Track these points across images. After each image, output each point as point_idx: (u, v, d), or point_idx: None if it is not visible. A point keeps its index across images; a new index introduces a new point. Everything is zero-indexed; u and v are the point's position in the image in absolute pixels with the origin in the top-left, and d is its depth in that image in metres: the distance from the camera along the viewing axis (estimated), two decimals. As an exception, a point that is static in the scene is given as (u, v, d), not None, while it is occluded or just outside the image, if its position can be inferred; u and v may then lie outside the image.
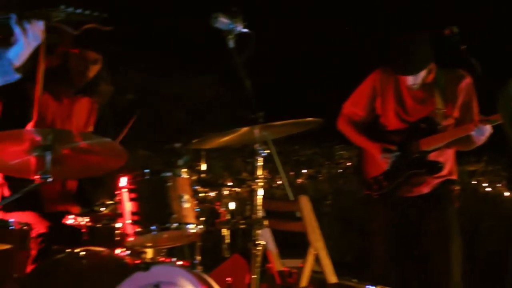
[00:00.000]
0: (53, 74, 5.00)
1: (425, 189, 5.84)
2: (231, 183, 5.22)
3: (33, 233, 4.63)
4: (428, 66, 5.75)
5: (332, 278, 5.29)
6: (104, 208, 5.22)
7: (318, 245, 5.29)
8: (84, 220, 4.68)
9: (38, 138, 4.06)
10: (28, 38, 3.10)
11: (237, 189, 5.27)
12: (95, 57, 5.15)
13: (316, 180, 9.25)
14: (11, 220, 4.41)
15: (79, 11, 3.15)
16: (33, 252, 4.58)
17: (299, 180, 9.11)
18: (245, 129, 4.52)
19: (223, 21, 4.48)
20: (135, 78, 8.75)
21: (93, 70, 5.17)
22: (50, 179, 4.04)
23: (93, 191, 5.22)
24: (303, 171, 9.28)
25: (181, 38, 9.08)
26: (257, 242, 4.57)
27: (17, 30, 3.09)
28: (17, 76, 3.23)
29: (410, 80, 5.79)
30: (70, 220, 4.67)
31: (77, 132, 5.03)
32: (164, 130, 8.88)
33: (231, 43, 4.52)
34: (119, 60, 7.78)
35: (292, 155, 9.15)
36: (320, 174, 9.37)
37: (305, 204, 5.31)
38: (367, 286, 5.23)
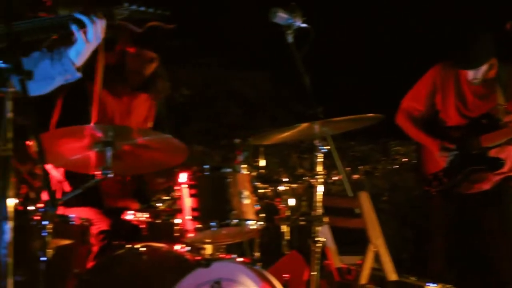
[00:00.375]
0: (110, 72, 5.00)
1: (486, 186, 5.75)
2: (286, 179, 5.14)
3: (95, 230, 4.63)
4: (489, 60, 5.65)
5: (392, 275, 5.22)
6: (161, 204, 5.22)
7: (378, 242, 5.22)
8: (143, 216, 4.67)
9: (99, 134, 4.06)
10: (90, 38, 3.08)
11: (294, 185, 5.20)
12: (151, 55, 5.14)
13: (372, 176, 9.17)
14: (71, 215, 4.42)
15: (142, 8, 3.12)
16: (95, 249, 4.58)
17: (355, 176, 9.03)
18: (305, 125, 4.46)
19: (282, 16, 4.43)
20: (192, 73, 8.75)
21: (150, 68, 5.16)
22: (110, 175, 4.03)
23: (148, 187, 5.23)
24: (359, 167, 9.21)
25: (239, 33, 9.05)
26: (316, 239, 4.51)
27: (78, 29, 3.07)
28: (78, 75, 3.21)
29: (470, 74, 5.70)
30: (129, 216, 4.67)
31: (136, 128, 5.05)
32: (221, 125, 8.87)
33: (290, 38, 4.47)
34: (178, 55, 7.79)
35: (348, 151, 9.07)
36: (376, 170, 9.30)
37: (365, 201, 5.25)
38: (427, 284, 5.15)
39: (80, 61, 3.16)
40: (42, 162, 2.44)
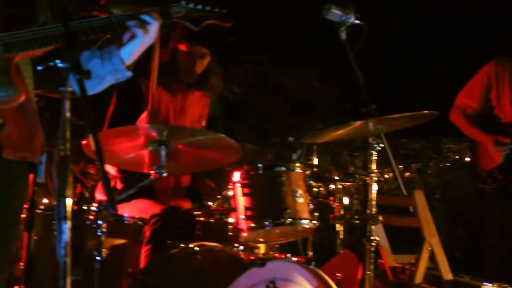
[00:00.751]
0: (164, 69, 4.99)
1: (542, 183, 5.64)
2: (337, 177, 5.11)
3: (147, 216, 4.61)
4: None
5: (447, 274, 5.14)
6: (212, 203, 5.21)
7: (433, 240, 5.14)
8: (197, 215, 4.65)
9: (153, 133, 4.04)
10: (145, 37, 3.06)
11: (348, 184, 5.16)
12: (203, 51, 5.11)
13: (425, 173, 9.09)
14: (126, 215, 4.42)
15: (199, 7, 3.08)
16: (147, 234, 4.56)
17: (407, 174, 8.96)
18: (359, 122, 4.41)
19: (335, 13, 4.39)
20: (243, 71, 8.73)
21: (202, 65, 5.14)
22: (164, 174, 4.02)
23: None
24: (411, 164, 9.13)
25: (290, 30, 9.01)
26: (371, 238, 4.46)
27: (134, 28, 3.04)
28: (128, 74, 3.18)
29: (527, 69, 5.62)
30: (183, 215, 4.66)
31: (190, 126, 5.05)
32: (272, 123, 8.84)
33: (343, 35, 4.42)
34: (229, 52, 7.78)
35: (400, 148, 8.98)
36: (428, 168, 9.21)
37: (420, 199, 5.17)
38: (484, 284, 5.07)
39: (131, 60, 3.14)
40: (101, 162, 2.41)
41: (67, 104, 2.51)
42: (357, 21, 4.42)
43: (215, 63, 5.22)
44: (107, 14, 3.87)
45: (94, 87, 3.15)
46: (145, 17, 3.02)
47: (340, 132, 4.66)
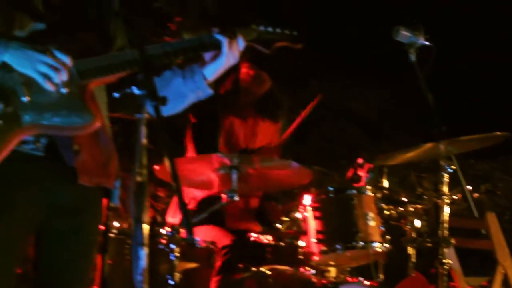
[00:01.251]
0: (234, 94, 5.02)
1: None
2: (405, 199, 5.05)
3: (218, 245, 4.62)
4: None
5: (522, 298, 5.04)
6: (280, 226, 5.17)
7: (506, 263, 5.04)
8: (267, 238, 4.63)
9: (225, 160, 4.07)
10: (230, 57, 3.05)
11: (419, 206, 5.08)
12: (268, 77, 5.13)
13: (494, 195, 8.93)
14: (197, 239, 4.41)
15: (271, 29, 3.07)
16: (218, 264, 4.55)
17: (476, 195, 8.81)
18: (429, 144, 4.35)
19: (404, 34, 4.33)
20: (312, 93, 8.73)
21: (262, 87, 5.15)
22: (236, 198, 4.01)
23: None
24: (481, 186, 8.99)
25: (360, 52, 8.98)
26: (443, 261, 4.38)
27: (224, 47, 3.03)
28: (210, 91, 3.17)
29: None
30: (253, 238, 4.64)
31: (261, 149, 5.07)
32: (340, 145, 8.82)
33: (412, 57, 4.36)
34: (296, 75, 7.78)
35: (468, 170, 8.85)
36: (498, 189, 9.05)
37: (493, 221, 5.09)
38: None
39: (213, 78, 3.14)
40: (178, 187, 2.39)
41: (144, 130, 2.50)
42: (426, 42, 4.35)
43: (280, 89, 5.23)
44: (178, 39, 3.93)
45: (176, 106, 3.16)
46: (239, 39, 3.02)
47: (411, 154, 4.62)
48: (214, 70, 3.06)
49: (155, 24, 7.24)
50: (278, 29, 3.10)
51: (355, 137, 8.94)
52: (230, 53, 3.00)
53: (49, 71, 2.64)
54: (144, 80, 2.48)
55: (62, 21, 2.82)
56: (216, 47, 3.01)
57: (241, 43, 3.02)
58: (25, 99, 2.62)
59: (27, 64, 2.64)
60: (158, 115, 2.44)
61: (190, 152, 5.02)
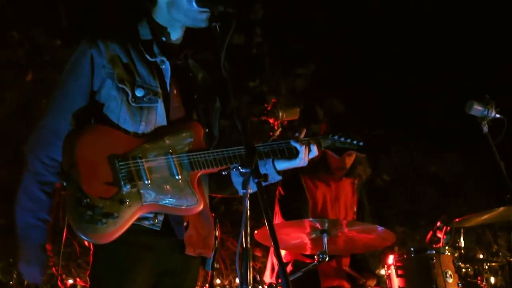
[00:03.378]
0: (317, 165, 5.18)
1: None
2: (481, 256, 5.10)
3: None
4: None
5: None
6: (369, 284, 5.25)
7: None
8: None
9: (317, 224, 4.24)
10: (301, 160, 3.29)
11: (493, 264, 5.13)
12: (350, 152, 5.27)
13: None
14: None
15: (342, 139, 3.34)
16: None
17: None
18: (502, 208, 4.44)
19: (477, 109, 4.41)
20: (393, 160, 8.84)
21: (350, 161, 5.31)
22: (327, 259, 4.15)
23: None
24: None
25: (434, 122, 9.07)
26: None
27: (301, 153, 3.27)
28: (279, 177, 3.37)
29: None
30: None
31: (345, 213, 5.21)
32: (419, 207, 8.86)
33: (485, 128, 4.44)
34: (382, 142, 7.91)
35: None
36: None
37: None
38: None
39: (282, 170, 3.36)
40: (277, 250, 2.58)
41: (248, 203, 2.73)
42: (498, 115, 4.42)
43: (361, 154, 5.36)
44: (273, 119, 4.18)
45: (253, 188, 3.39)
46: (311, 146, 3.26)
47: (485, 216, 4.71)
48: (283, 166, 3.30)
49: (252, 101, 7.50)
50: (348, 140, 3.36)
51: (434, 199, 8.98)
52: (304, 158, 3.25)
53: None
54: (249, 160, 2.71)
55: None
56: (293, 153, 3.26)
57: (313, 152, 3.27)
58: (147, 181, 2.90)
59: None
60: (260, 189, 2.66)
61: (277, 219, 5.23)
